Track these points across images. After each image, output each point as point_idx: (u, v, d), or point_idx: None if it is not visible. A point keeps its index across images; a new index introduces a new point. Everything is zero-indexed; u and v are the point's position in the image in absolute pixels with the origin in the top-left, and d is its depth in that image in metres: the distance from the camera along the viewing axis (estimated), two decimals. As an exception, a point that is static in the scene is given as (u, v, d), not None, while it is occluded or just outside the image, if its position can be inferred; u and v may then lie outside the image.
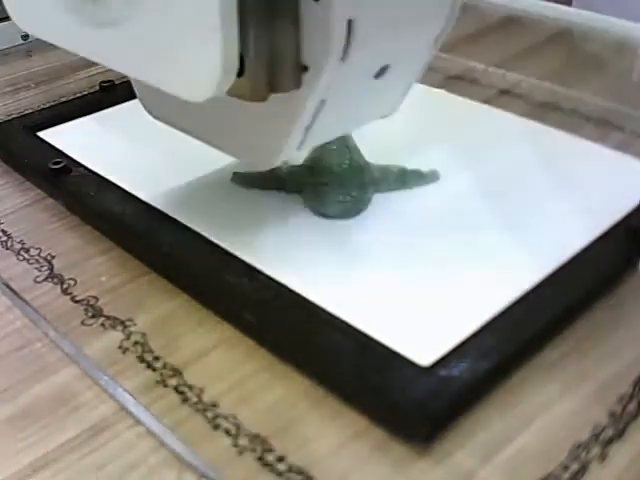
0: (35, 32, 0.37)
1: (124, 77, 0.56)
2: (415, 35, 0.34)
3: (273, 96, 0.30)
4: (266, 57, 0.29)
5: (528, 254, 0.36)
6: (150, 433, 0.29)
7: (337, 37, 0.29)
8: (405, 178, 0.41)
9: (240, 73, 0.28)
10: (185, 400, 0.30)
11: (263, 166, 0.38)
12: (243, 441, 0.28)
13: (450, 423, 0.28)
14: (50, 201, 0.43)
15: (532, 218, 0.38)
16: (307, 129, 0.33)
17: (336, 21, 0.28)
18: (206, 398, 0.30)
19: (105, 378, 0.31)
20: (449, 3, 0.33)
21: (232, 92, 0.29)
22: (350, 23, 0.29)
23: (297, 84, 0.30)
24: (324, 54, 0.29)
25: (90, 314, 0.35)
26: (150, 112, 0.40)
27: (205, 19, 0.27)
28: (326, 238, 0.38)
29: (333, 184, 0.40)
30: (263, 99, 0.30)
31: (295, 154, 0.35)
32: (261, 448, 0.28)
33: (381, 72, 0.33)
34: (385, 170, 0.42)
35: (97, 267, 0.38)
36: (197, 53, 0.28)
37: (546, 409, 0.29)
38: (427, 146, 0.45)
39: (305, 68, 0.29)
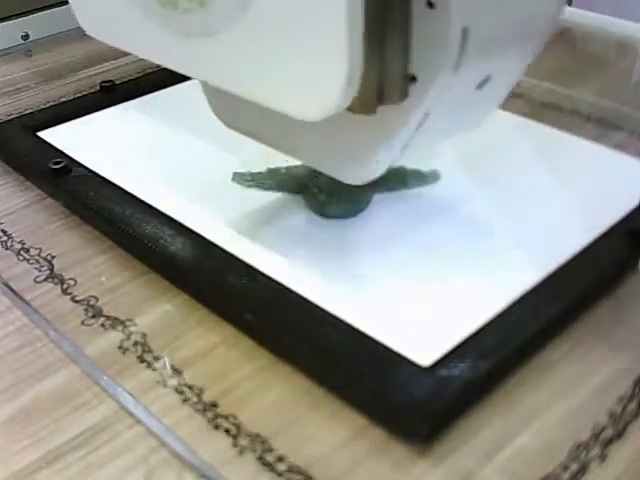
0: (109, 40, 0.35)
1: (124, 77, 0.56)
2: (519, 46, 0.32)
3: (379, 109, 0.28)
4: (376, 68, 0.27)
5: (528, 254, 0.36)
6: (150, 433, 0.29)
7: (452, 46, 0.27)
8: (405, 178, 0.41)
9: None
10: (185, 400, 0.30)
11: (359, 181, 0.34)
12: (243, 441, 0.28)
13: (450, 423, 0.28)
14: (50, 201, 0.43)
15: (532, 218, 0.38)
16: (408, 141, 0.31)
17: (452, 29, 0.27)
18: (206, 398, 0.30)
19: (105, 378, 0.31)
20: (550, 18, 0.32)
21: None
22: (465, 32, 0.27)
23: (405, 95, 0.28)
24: (437, 64, 0.27)
25: (90, 314, 0.35)
26: (223, 120, 0.38)
27: (330, 30, 0.24)
28: (326, 238, 0.38)
29: (333, 184, 0.40)
30: (372, 111, 0.28)
31: (389, 165, 0.34)
32: (261, 448, 0.28)
33: (483, 83, 0.32)
34: (385, 170, 0.42)
35: (97, 267, 0.38)
36: (318, 67, 0.25)
37: (546, 409, 0.29)
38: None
39: (413, 79, 0.28)
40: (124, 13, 0.32)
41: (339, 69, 0.25)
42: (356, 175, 0.34)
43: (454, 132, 0.35)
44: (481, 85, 0.32)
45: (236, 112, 0.37)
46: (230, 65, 0.29)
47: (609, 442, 0.27)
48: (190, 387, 0.30)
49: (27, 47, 0.65)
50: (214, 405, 0.30)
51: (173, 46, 0.31)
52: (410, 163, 0.42)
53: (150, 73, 0.57)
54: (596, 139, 0.45)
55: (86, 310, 0.35)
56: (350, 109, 0.27)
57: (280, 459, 0.27)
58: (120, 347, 0.33)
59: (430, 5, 0.27)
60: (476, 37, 0.28)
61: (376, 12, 0.26)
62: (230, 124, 0.38)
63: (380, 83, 0.28)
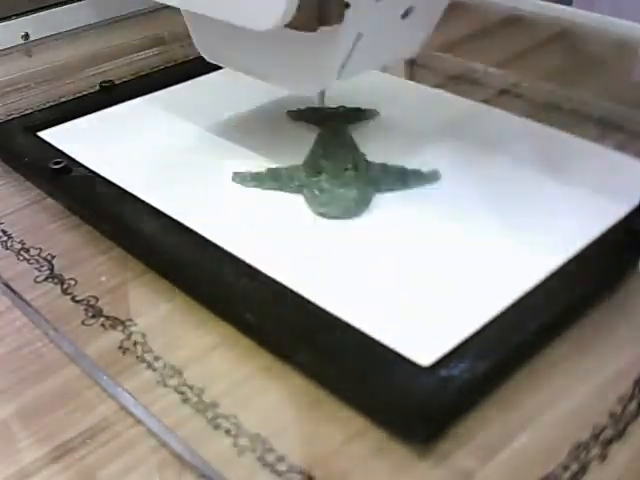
0: None
1: (124, 77, 0.56)
2: None
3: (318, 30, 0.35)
4: None
5: (528, 254, 0.36)
6: (150, 433, 0.29)
7: None
8: (405, 178, 0.41)
9: None
10: (185, 400, 0.30)
11: (308, 93, 0.45)
12: (243, 441, 0.28)
13: (450, 423, 0.28)
14: (50, 201, 0.43)
15: (532, 218, 0.38)
16: (346, 59, 0.39)
17: None
18: (206, 398, 0.30)
19: (105, 378, 0.31)
20: None
21: (289, 24, 0.35)
22: None
23: (340, 19, 0.35)
24: None
25: (90, 314, 0.35)
26: (204, 53, 0.45)
27: None
28: (326, 238, 0.38)
29: (333, 184, 0.40)
30: (313, 30, 0.35)
31: (334, 83, 0.41)
32: (261, 448, 0.28)
33: (406, 13, 0.40)
34: (385, 170, 0.42)
35: (97, 267, 0.38)
36: None
37: (546, 409, 0.29)
38: (427, 146, 0.45)
39: (347, 5, 0.35)
40: None
41: None
42: (307, 87, 0.42)
43: (390, 56, 0.45)
44: (405, 15, 0.40)
45: (214, 45, 0.44)
46: None
47: (609, 442, 0.27)
48: (190, 387, 0.30)
49: (27, 47, 0.65)
50: (214, 405, 0.30)
51: None
52: (410, 163, 0.42)
53: (150, 73, 0.57)
54: (596, 139, 0.45)
55: (86, 310, 0.35)
56: (296, 27, 0.35)
57: (280, 459, 0.27)
58: (120, 347, 0.33)
59: None
60: None
61: None
62: (211, 57, 0.45)
63: (320, 7, 0.35)
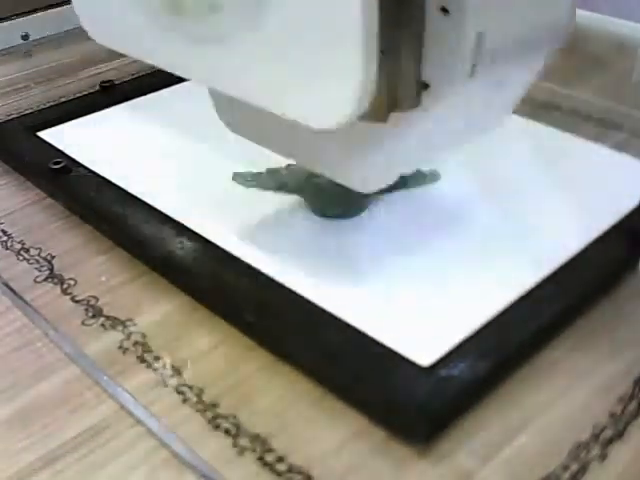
0: (113, 45, 0.35)
1: (124, 77, 0.56)
2: (531, 52, 0.32)
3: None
4: (389, 75, 0.27)
5: (528, 254, 0.35)
6: (150, 433, 0.29)
7: (466, 52, 0.27)
8: (405, 178, 0.41)
9: None
10: (185, 400, 0.30)
11: (371, 189, 0.34)
12: (243, 441, 0.28)
13: (450, 423, 0.28)
14: (50, 201, 0.43)
15: (532, 218, 0.38)
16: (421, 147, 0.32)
17: (467, 35, 0.26)
18: (206, 398, 0.30)
19: (105, 378, 0.31)
20: (562, 27, 0.32)
21: None
22: (480, 37, 0.27)
23: (418, 103, 0.28)
24: (451, 71, 0.27)
25: (90, 314, 0.35)
26: (229, 126, 0.38)
27: (346, 41, 0.24)
28: (326, 238, 0.38)
29: (333, 184, 0.40)
30: (384, 119, 0.28)
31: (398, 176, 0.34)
32: (261, 448, 0.28)
33: (495, 88, 0.32)
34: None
35: (97, 267, 0.38)
36: (334, 77, 0.25)
37: (546, 409, 0.29)
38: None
39: (426, 86, 0.28)
40: (128, 17, 0.32)
41: (354, 79, 0.25)
42: (367, 183, 0.33)
43: (467, 137, 0.35)
44: (493, 91, 0.32)
45: (244, 119, 0.36)
46: (242, 73, 0.28)
47: (609, 442, 0.27)
48: (190, 387, 0.30)
49: (27, 47, 0.65)
50: (214, 405, 0.30)
51: (180, 52, 0.30)
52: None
53: (150, 73, 0.57)
54: (596, 139, 0.45)
55: (86, 310, 0.35)
56: (362, 118, 0.26)
57: (280, 459, 0.27)
58: (120, 347, 0.33)
59: (444, 11, 0.26)
60: (490, 43, 0.27)
61: (389, 19, 0.25)
62: (237, 130, 0.38)
63: (393, 91, 0.27)
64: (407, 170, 0.33)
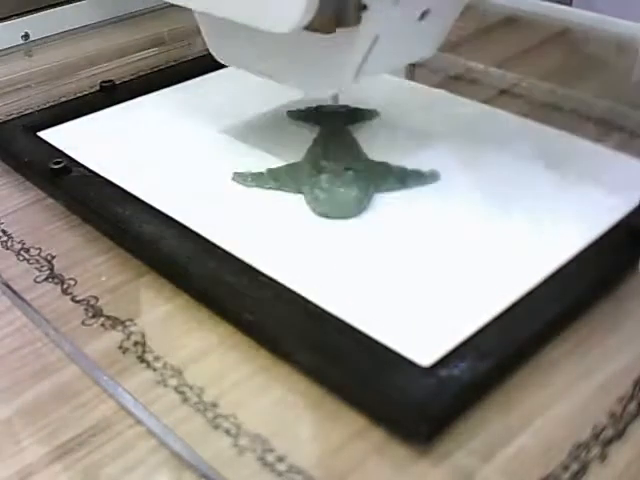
0: None
1: (124, 77, 0.56)
2: None
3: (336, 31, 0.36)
4: None
5: (528, 254, 0.36)
6: (150, 433, 0.29)
7: None
8: (405, 178, 0.41)
9: None
10: (185, 400, 0.30)
11: (324, 95, 0.46)
12: (243, 441, 0.28)
13: (450, 423, 0.28)
14: (50, 201, 0.43)
15: (532, 218, 0.38)
16: (363, 61, 0.39)
17: None
18: (206, 398, 0.30)
19: (105, 378, 0.31)
20: None
21: (307, 26, 0.35)
22: None
23: (358, 20, 0.36)
24: None
25: (90, 314, 0.35)
26: (217, 55, 0.45)
27: None
28: (326, 238, 0.38)
29: (333, 184, 0.40)
30: (331, 32, 0.35)
31: (351, 84, 0.41)
32: (261, 448, 0.28)
33: (423, 15, 0.40)
34: (385, 170, 0.42)
35: (97, 267, 0.38)
36: None
37: (546, 409, 0.29)
38: (427, 146, 0.45)
39: (364, 7, 0.35)
40: None
41: None
42: (323, 89, 0.43)
43: (408, 57, 0.46)
44: (423, 17, 0.40)
45: (228, 47, 0.44)
46: None
47: (609, 442, 0.27)
48: (190, 387, 0.30)
49: (27, 47, 0.65)
50: (214, 405, 0.30)
51: None
52: (410, 163, 0.42)
53: (150, 73, 0.57)
54: (596, 139, 0.45)
55: (86, 310, 0.35)
56: (314, 29, 0.35)
57: (280, 459, 0.27)
58: (120, 347, 0.33)
59: None
60: None
61: None
62: (224, 59, 0.45)
63: (338, 10, 0.35)
64: (356, 82, 0.40)
